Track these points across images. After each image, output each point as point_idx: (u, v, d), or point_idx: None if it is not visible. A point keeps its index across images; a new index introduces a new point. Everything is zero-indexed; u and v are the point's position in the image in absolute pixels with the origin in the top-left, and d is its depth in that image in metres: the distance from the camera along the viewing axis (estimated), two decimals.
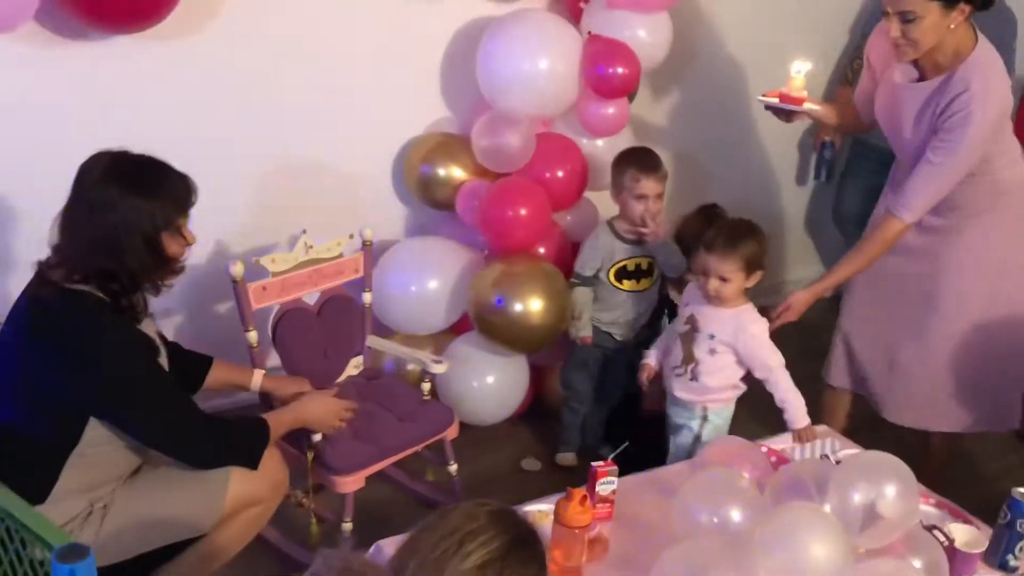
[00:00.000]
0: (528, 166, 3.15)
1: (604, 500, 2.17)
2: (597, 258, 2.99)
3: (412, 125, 3.35)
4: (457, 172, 3.24)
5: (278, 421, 2.27)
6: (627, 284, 3.02)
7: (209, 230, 2.63)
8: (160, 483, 2.11)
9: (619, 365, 3.11)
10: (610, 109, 3.15)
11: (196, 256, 2.54)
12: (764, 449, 2.43)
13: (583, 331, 3.01)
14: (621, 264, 3.00)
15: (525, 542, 1.36)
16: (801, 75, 2.73)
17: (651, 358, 2.79)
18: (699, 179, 4.01)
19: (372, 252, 2.78)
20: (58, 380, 1.94)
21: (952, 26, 2.39)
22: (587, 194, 3.31)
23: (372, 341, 2.83)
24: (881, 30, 2.65)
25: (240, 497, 2.16)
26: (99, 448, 2.01)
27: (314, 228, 2.72)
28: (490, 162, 3.15)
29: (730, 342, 2.59)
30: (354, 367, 2.82)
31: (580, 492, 2.02)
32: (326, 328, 2.67)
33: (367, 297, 2.79)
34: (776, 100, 2.78)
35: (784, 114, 2.80)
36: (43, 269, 1.98)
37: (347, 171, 3.24)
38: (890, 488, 1.96)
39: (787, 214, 4.50)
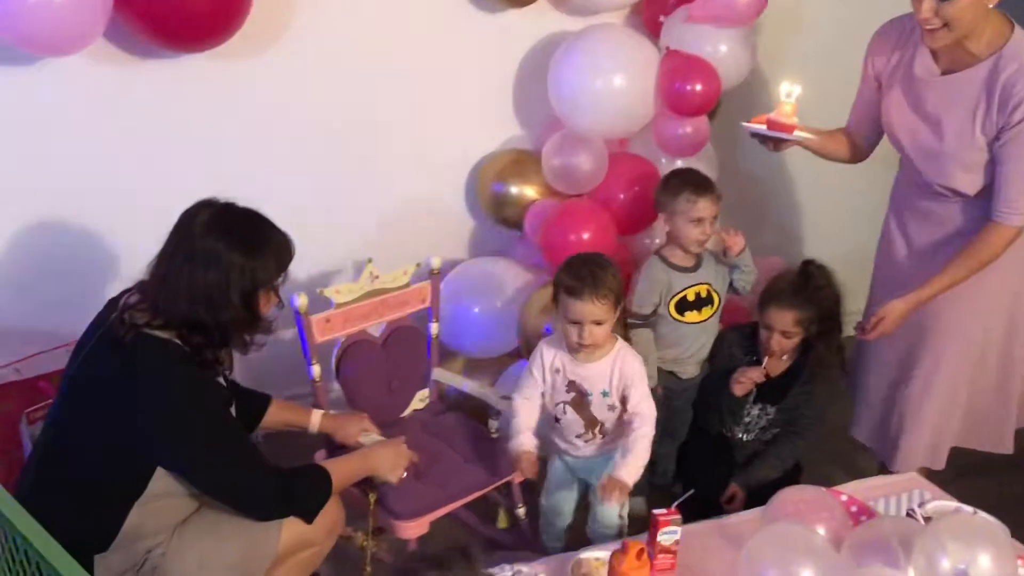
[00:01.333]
0: (601, 188, 3.03)
1: (666, 551, 2.03)
2: (655, 293, 2.77)
3: (486, 142, 3.28)
4: (529, 191, 3.15)
5: (346, 469, 2.20)
6: (690, 316, 2.81)
7: None
8: (213, 529, 2.05)
9: (684, 404, 2.92)
10: (688, 128, 3.01)
11: None
12: (843, 498, 2.25)
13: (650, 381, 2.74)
14: (681, 295, 2.78)
15: None
16: (792, 99, 2.49)
17: (525, 443, 2.36)
18: (775, 203, 3.83)
19: (440, 282, 2.69)
20: (130, 425, 1.90)
21: (991, 6, 2.22)
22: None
23: (438, 374, 2.73)
24: (884, 34, 2.49)
25: (293, 541, 2.10)
26: (162, 497, 1.98)
27: (383, 249, 2.67)
28: (560, 183, 3.05)
29: (622, 389, 2.38)
30: (420, 400, 2.73)
31: (638, 545, 1.92)
32: (391, 360, 2.59)
33: (434, 328, 2.70)
34: (763, 127, 2.54)
35: (771, 142, 2.57)
36: (126, 309, 1.94)
37: (419, 190, 3.19)
38: (984, 554, 1.79)
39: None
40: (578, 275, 2.28)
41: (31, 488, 1.96)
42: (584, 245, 2.89)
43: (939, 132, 2.38)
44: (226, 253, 1.90)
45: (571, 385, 2.37)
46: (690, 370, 2.87)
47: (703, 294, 2.81)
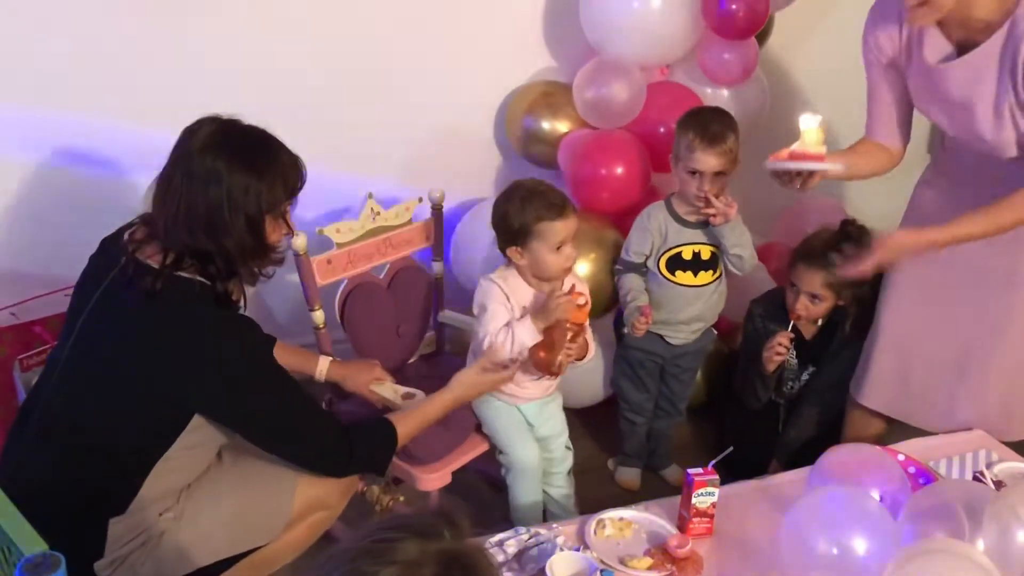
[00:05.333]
0: (638, 120, 2.80)
1: (702, 514, 1.85)
2: (646, 241, 2.48)
3: (516, 73, 3.06)
4: (562, 127, 2.94)
5: (434, 408, 2.06)
6: (681, 276, 2.48)
7: None
8: (225, 492, 1.91)
9: (681, 374, 2.66)
10: (735, 53, 2.75)
11: None
12: (900, 458, 2.03)
13: (633, 315, 2.44)
14: (675, 251, 2.47)
15: None
16: (815, 127, 2.09)
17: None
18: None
19: (443, 217, 2.50)
20: (164, 380, 1.73)
21: None
22: None
23: (446, 316, 2.56)
24: (882, 11, 2.11)
25: (307, 502, 1.97)
26: (184, 455, 1.82)
27: (405, 188, 2.46)
28: (593, 116, 2.82)
29: None
30: (427, 345, 2.57)
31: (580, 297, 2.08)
32: (397, 303, 2.43)
33: (437, 267, 2.52)
34: (788, 161, 2.12)
35: (797, 180, 2.13)
36: (132, 246, 1.76)
37: (444, 124, 3.00)
38: None
39: None
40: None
41: (35, 448, 1.80)
42: (616, 181, 2.68)
43: (973, 117, 2.03)
44: (227, 172, 1.70)
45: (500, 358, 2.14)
46: (682, 336, 2.57)
47: (704, 255, 2.48)
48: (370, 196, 2.34)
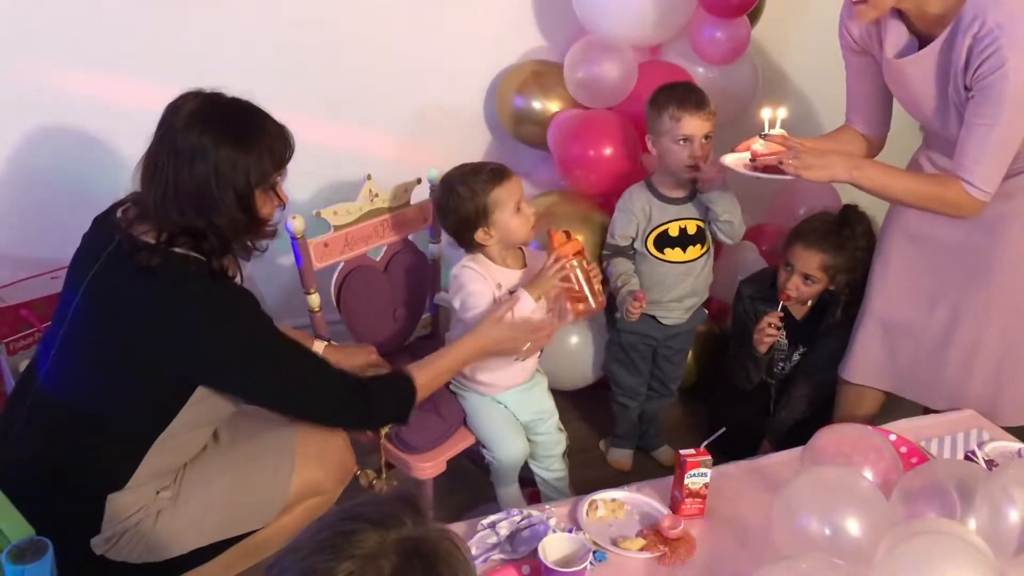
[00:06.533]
0: (629, 100, 2.77)
1: (694, 495, 1.84)
2: (631, 224, 2.47)
3: (506, 53, 3.03)
4: (553, 106, 2.92)
5: (453, 357, 2.01)
6: (670, 253, 2.48)
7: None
8: (222, 473, 1.90)
9: (673, 355, 2.65)
10: (727, 31, 2.72)
11: None
12: (892, 438, 2.03)
13: (626, 300, 2.42)
14: (661, 229, 2.46)
15: None
16: (776, 128, 2.06)
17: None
18: (824, 113, 3.51)
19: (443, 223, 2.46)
20: (167, 355, 1.71)
21: None
22: None
23: (442, 298, 2.54)
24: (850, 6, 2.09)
25: (304, 486, 1.96)
26: (185, 431, 1.81)
27: (393, 171, 2.44)
28: (584, 95, 2.79)
29: None
30: (423, 327, 2.55)
31: (561, 230, 2.10)
32: (394, 286, 2.41)
33: (435, 249, 2.50)
34: (745, 165, 2.12)
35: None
36: (125, 224, 1.73)
37: (433, 105, 2.97)
38: None
39: None
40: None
41: (30, 428, 1.77)
42: (605, 161, 2.66)
43: (928, 110, 2.05)
44: (213, 148, 1.66)
45: (513, 297, 2.12)
46: (674, 316, 2.57)
47: (690, 230, 2.48)
48: (368, 178, 2.31)
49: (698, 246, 2.49)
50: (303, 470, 1.94)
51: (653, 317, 2.55)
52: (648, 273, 2.50)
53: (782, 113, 2.18)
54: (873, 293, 2.35)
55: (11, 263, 2.43)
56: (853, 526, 1.59)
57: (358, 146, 2.75)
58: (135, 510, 1.77)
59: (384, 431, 2.19)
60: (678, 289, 2.52)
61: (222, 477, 1.88)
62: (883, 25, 2.06)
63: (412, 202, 2.42)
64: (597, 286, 2.12)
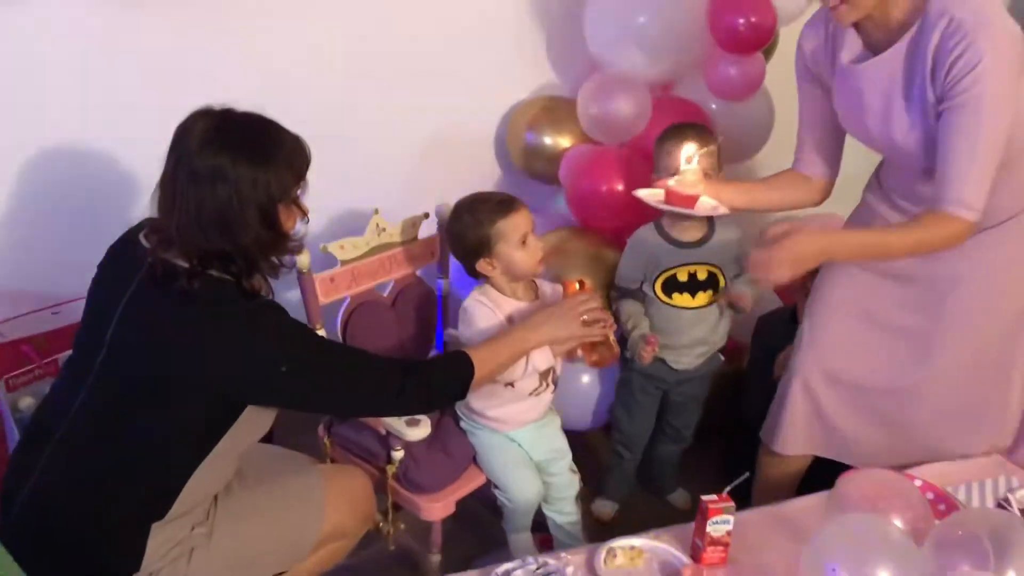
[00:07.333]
0: (643, 137, 2.73)
1: (716, 543, 1.77)
2: (638, 267, 2.40)
3: (518, 88, 3.00)
4: (565, 142, 2.89)
5: (511, 341, 1.98)
6: (679, 299, 2.40)
7: None
8: (257, 510, 1.86)
9: (686, 401, 2.58)
10: (741, 68, 2.70)
11: None
12: (918, 483, 1.97)
13: (638, 344, 2.37)
14: (669, 273, 2.39)
15: None
16: (693, 164, 2.03)
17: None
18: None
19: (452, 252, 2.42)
20: (224, 376, 1.67)
21: None
22: None
23: (451, 335, 2.49)
24: (812, 24, 2.06)
25: (332, 529, 1.93)
26: (226, 454, 1.77)
27: (402, 205, 2.40)
28: (598, 132, 2.76)
29: None
30: None
31: (575, 280, 2.05)
32: (401, 322, 2.36)
33: (444, 285, 2.44)
34: (660, 200, 2.13)
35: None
36: (155, 251, 1.69)
37: (444, 139, 2.93)
38: None
39: None
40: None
41: (63, 463, 1.70)
42: (617, 197, 2.61)
43: (886, 118, 1.93)
44: (232, 167, 1.62)
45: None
46: (685, 361, 2.48)
47: (700, 276, 2.39)
48: (376, 212, 2.28)
49: (709, 292, 2.42)
50: (332, 513, 1.91)
51: (664, 361, 2.48)
52: (657, 316, 2.43)
53: (693, 147, 2.13)
54: (801, 346, 2.22)
55: (11, 297, 2.38)
56: None
57: (367, 179, 2.71)
58: (173, 545, 1.73)
59: (391, 471, 2.13)
60: (688, 335, 2.45)
61: (254, 516, 1.84)
62: (839, 37, 1.99)
63: (420, 236, 2.38)
64: (612, 336, 2.07)
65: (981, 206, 1.84)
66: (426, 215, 2.36)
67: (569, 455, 2.29)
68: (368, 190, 2.60)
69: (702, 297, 2.41)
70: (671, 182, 2.09)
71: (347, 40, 2.69)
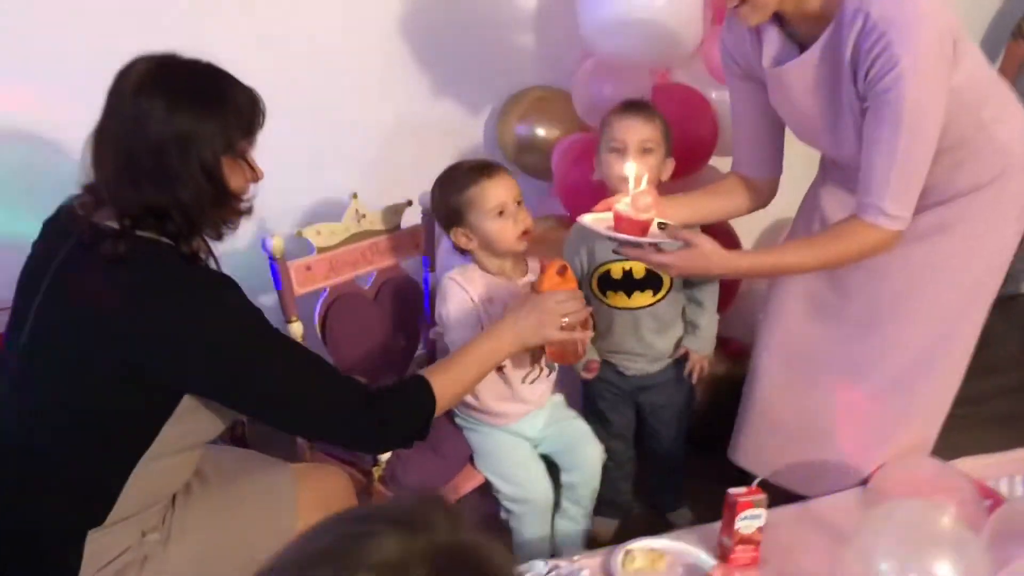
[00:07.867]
0: None
1: (746, 541, 1.61)
2: (574, 260, 2.11)
3: (509, 78, 2.88)
4: (556, 133, 2.77)
5: (477, 355, 1.68)
6: (613, 298, 2.12)
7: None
8: (218, 514, 1.65)
9: (657, 412, 2.30)
10: None
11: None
12: None
13: (585, 358, 2.12)
14: (603, 269, 2.10)
15: None
16: (643, 186, 1.73)
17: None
18: None
19: (435, 224, 2.25)
20: (152, 356, 1.45)
21: None
22: (714, 160, 2.72)
23: (438, 333, 2.30)
24: (732, 26, 1.92)
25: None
26: (170, 453, 1.55)
27: (386, 198, 2.25)
28: (593, 119, 2.62)
29: None
30: (418, 365, 2.32)
31: (558, 263, 1.72)
32: (384, 317, 2.20)
33: (430, 278, 2.29)
34: (608, 228, 1.76)
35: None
36: (83, 212, 1.50)
37: (432, 130, 2.82)
38: None
39: None
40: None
41: None
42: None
43: (814, 117, 1.82)
44: (170, 112, 1.43)
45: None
46: (635, 366, 2.21)
47: (637, 273, 2.09)
48: (355, 196, 2.12)
49: (648, 292, 2.12)
50: (307, 513, 1.70)
51: (613, 366, 2.22)
52: (597, 317, 2.11)
53: (634, 167, 1.81)
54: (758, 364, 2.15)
55: None
56: (946, 571, 1.36)
57: (355, 171, 2.57)
58: (117, 554, 1.52)
59: (377, 474, 1.95)
60: (629, 341, 2.17)
61: (218, 518, 1.63)
62: (762, 35, 1.83)
63: (404, 226, 2.22)
64: (581, 339, 1.78)
65: (905, 214, 1.71)
66: (409, 202, 2.20)
67: (589, 432, 2.07)
68: (357, 179, 2.46)
69: (640, 298, 2.13)
70: (620, 205, 1.76)
71: (339, 30, 2.59)
